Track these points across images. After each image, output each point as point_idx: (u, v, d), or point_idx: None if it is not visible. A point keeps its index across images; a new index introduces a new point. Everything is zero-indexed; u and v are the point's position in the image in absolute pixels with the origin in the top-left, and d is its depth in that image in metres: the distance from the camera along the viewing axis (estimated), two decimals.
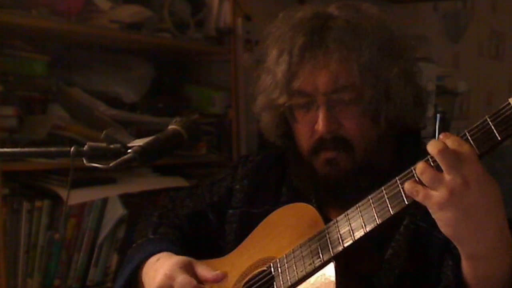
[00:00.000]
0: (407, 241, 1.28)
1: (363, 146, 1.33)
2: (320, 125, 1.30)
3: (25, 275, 1.89)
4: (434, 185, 1.03)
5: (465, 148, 1.02)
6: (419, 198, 1.05)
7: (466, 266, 1.12)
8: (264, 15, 2.47)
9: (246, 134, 2.54)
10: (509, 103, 1.02)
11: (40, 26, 1.97)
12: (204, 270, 1.31)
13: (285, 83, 1.33)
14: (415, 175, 1.07)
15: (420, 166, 1.05)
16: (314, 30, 1.32)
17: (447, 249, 1.24)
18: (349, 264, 1.20)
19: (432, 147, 1.03)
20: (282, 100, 1.35)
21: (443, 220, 1.05)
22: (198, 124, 1.31)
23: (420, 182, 1.05)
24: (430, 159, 1.05)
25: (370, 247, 1.25)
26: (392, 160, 1.35)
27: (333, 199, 1.36)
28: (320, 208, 1.33)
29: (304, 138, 1.36)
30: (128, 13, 2.17)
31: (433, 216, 1.06)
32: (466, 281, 1.13)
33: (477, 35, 4.76)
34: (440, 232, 1.26)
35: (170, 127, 1.23)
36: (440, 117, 1.05)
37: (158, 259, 1.36)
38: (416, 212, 1.29)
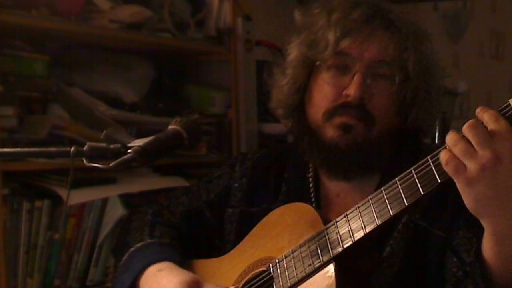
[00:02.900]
0: (405, 239, 1.28)
1: (382, 128, 1.33)
2: (353, 89, 1.30)
3: (25, 275, 1.89)
4: (465, 158, 0.99)
5: (501, 124, 0.99)
6: (449, 169, 1.01)
7: (490, 245, 1.08)
8: (264, 15, 2.48)
9: (246, 134, 2.54)
10: (509, 104, 1.02)
11: (40, 26, 1.97)
12: None
13: (333, 41, 1.32)
14: (447, 147, 1.03)
15: (452, 136, 1.01)
16: (377, 7, 1.35)
17: (449, 246, 1.23)
18: (349, 263, 1.20)
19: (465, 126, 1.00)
20: (322, 55, 1.33)
21: (471, 195, 1.01)
22: (198, 124, 1.31)
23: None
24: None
25: (369, 246, 1.25)
26: (391, 157, 1.36)
27: (334, 171, 1.36)
28: (316, 180, 1.35)
29: (325, 100, 1.34)
30: (128, 13, 2.17)
31: (461, 190, 1.02)
32: (488, 261, 1.09)
33: (477, 35, 4.76)
34: (440, 229, 1.26)
35: (170, 127, 1.23)
36: (440, 117, 1.05)
37: (159, 270, 1.33)
38: (415, 211, 1.29)
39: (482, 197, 1.01)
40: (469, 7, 4.67)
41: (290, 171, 1.46)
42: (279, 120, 1.53)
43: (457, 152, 1.00)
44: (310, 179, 1.42)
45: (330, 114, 1.32)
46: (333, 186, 1.40)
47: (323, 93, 1.35)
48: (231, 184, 1.51)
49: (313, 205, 1.33)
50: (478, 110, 1.02)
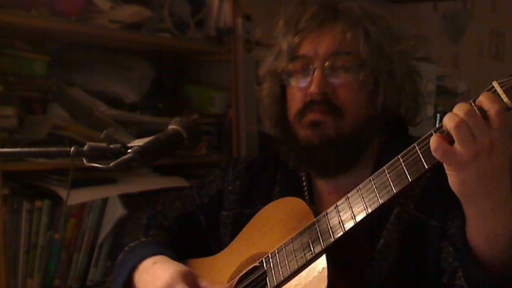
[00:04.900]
0: (399, 231, 1.29)
1: (353, 119, 1.34)
2: (313, 86, 1.32)
3: (25, 275, 1.89)
4: (464, 143, 0.99)
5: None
6: (438, 155, 1.01)
7: (474, 227, 1.08)
8: (264, 15, 2.47)
9: (246, 134, 2.54)
10: (493, 86, 1.02)
11: (40, 26, 1.97)
12: (207, 284, 1.30)
13: (288, 50, 1.37)
14: (443, 130, 1.02)
15: (453, 118, 1.00)
16: (325, 3, 1.38)
17: (445, 235, 1.24)
18: (341, 255, 1.20)
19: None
20: (283, 64, 1.38)
21: (459, 178, 1.02)
22: (198, 124, 1.31)
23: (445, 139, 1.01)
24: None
25: (361, 238, 1.25)
26: (379, 149, 1.36)
27: (315, 170, 1.38)
28: (309, 180, 1.36)
29: (295, 102, 1.37)
30: (128, 13, 2.17)
31: (449, 173, 1.03)
32: (473, 243, 1.09)
33: (477, 35, 4.76)
34: (437, 219, 1.27)
35: (170, 127, 1.23)
36: (440, 117, 1.05)
37: (154, 262, 1.36)
38: (408, 202, 1.29)
39: (470, 181, 1.02)
40: (469, 7, 4.68)
41: (283, 172, 1.47)
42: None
43: (459, 134, 0.99)
44: (303, 178, 1.43)
45: (300, 115, 1.36)
46: (325, 186, 1.41)
47: (293, 99, 1.39)
48: (225, 187, 1.51)
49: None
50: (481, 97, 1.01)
